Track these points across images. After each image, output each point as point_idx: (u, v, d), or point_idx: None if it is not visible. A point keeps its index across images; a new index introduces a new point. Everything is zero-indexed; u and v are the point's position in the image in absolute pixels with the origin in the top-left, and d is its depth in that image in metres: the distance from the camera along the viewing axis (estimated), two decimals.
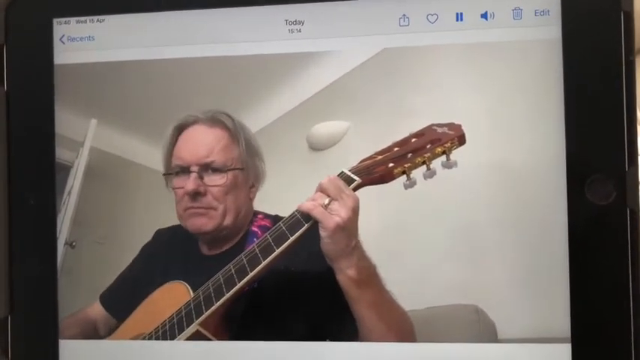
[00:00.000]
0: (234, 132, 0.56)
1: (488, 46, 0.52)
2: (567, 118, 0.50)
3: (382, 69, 0.54)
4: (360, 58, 0.54)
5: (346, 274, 0.52)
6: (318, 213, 0.51)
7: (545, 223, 0.51)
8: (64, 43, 0.57)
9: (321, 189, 0.52)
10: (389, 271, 0.53)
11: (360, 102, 0.55)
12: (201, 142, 0.56)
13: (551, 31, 0.51)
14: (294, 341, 0.53)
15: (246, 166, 0.57)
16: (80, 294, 0.58)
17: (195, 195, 0.56)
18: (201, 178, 0.56)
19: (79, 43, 0.57)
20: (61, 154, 0.57)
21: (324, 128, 0.56)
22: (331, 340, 0.52)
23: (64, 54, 0.57)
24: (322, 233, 0.52)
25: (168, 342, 0.55)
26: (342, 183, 0.52)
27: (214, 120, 0.56)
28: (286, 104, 0.56)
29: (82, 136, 0.58)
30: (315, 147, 0.56)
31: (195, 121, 0.56)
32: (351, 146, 0.55)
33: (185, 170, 0.56)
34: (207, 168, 0.56)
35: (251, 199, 0.57)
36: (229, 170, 0.57)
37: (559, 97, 0.50)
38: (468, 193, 0.52)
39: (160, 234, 0.57)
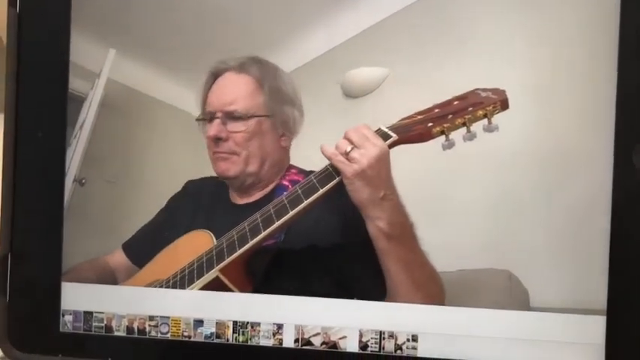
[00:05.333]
0: (259, 78, 0.55)
1: None
2: (619, 80, 0.47)
3: (426, 15, 0.51)
4: (403, 1, 0.51)
5: (376, 224, 0.50)
6: (337, 161, 0.50)
7: (588, 191, 0.49)
8: None
9: (345, 136, 0.51)
10: (423, 231, 0.51)
11: (401, 49, 0.52)
12: (229, 90, 0.56)
13: None
14: (320, 297, 0.51)
15: (272, 113, 0.55)
16: (87, 235, 0.55)
17: (217, 140, 0.56)
18: (224, 124, 0.56)
19: None
20: (75, 84, 0.54)
21: (361, 74, 0.53)
22: (359, 299, 0.51)
23: None
24: (344, 181, 0.50)
25: (176, 290, 0.53)
26: (369, 132, 0.51)
27: (242, 67, 0.55)
28: (321, 46, 0.53)
29: (98, 66, 0.55)
30: (350, 94, 0.53)
31: (226, 69, 0.56)
32: (388, 95, 0.52)
33: (212, 116, 0.56)
34: (230, 115, 0.56)
35: (284, 148, 0.56)
36: (252, 117, 0.55)
37: (612, 58, 0.47)
38: (508, 157, 0.50)
39: (190, 184, 0.56)
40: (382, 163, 0.50)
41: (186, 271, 0.53)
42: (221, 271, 0.52)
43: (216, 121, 0.56)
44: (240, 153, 0.56)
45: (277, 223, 0.51)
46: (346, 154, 0.50)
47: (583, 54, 0.49)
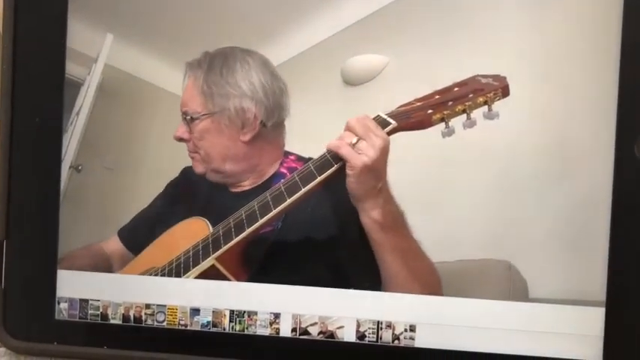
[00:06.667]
0: (196, 77, 0.55)
1: None
2: (622, 70, 0.47)
3: (426, 2, 0.51)
4: None
5: (370, 215, 0.50)
6: (345, 151, 0.49)
7: (589, 181, 0.48)
8: None
9: (348, 127, 0.50)
10: (421, 220, 0.50)
11: (401, 36, 0.51)
12: (185, 92, 0.56)
13: None
14: (316, 287, 0.50)
15: (213, 111, 0.55)
16: (83, 221, 0.54)
17: (181, 141, 0.56)
18: (187, 125, 0.56)
19: None
20: (72, 69, 0.53)
21: (361, 62, 0.52)
22: (355, 289, 0.50)
23: None
24: (349, 172, 0.49)
25: (173, 279, 0.52)
26: (371, 122, 0.50)
27: (194, 65, 0.55)
28: (320, 33, 0.53)
29: (96, 51, 0.54)
30: (350, 81, 0.52)
31: (189, 71, 0.55)
32: (389, 82, 0.52)
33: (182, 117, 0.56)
34: (186, 116, 0.55)
35: (246, 143, 0.55)
36: (199, 117, 0.55)
37: (615, 48, 0.47)
38: (508, 145, 0.50)
39: (187, 171, 0.56)
40: (384, 154, 0.49)
41: (182, 258, 0.53)
42: (217, 259, 0.51)
43: (181, 123, 0.56)
44: (199, 152, 0.56)
45: (274, 211, 0.50)
46: (352, 146, 0.49)
47: (586, 42, 0.48)
